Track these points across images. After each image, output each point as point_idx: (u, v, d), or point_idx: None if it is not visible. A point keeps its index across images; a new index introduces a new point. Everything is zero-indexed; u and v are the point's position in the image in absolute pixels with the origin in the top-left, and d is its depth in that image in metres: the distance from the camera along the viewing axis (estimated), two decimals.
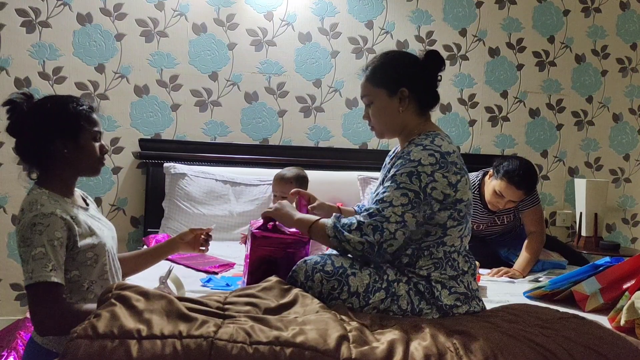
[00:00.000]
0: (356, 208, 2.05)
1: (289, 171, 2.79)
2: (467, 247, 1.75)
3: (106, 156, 1.67)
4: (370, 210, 1.60)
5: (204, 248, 1.94)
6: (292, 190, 2.00)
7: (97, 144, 1.62)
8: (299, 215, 1.76)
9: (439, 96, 1.80)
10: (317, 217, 1.72)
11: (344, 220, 1.63)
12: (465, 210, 1.68)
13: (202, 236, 1.94)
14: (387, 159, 1.92)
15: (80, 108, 1.58)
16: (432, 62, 1.74)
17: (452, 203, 1.64)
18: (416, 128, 1.75)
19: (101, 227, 1.64)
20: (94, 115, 1.62)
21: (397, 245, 1.61)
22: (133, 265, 1.87)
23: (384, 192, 1.62)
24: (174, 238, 1.94)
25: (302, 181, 2.80)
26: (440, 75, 1.77)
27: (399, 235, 1.59)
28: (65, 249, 1.49)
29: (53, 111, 1.57)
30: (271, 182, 2.85)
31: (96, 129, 1.62)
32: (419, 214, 1.61)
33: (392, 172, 1.64)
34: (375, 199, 1.64)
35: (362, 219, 1.60)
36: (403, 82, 1.72)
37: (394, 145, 2.10)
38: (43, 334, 1.50)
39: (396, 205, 1.58)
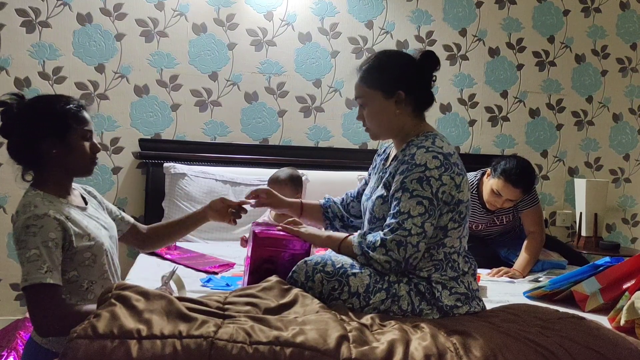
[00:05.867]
0: (322, 201, 2.04)
1: (283, 172, 2.78)
2: (466, 248, 1.75)
3: (106, 156, 1.67)
4: (391, 225, 1.59)
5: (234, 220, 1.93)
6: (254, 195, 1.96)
7: (87, 143, 1.60)
8: (327, 233, 1.79)
9: (433, 96, 1.78)
10: (346, 235, 1.73)
11: (369, 238, 1.63)
12: (465, 211, 1.68)
13: (232, 209, 1.92)
14: (377, 158, 1.91)
15: (68, 107, 1.56)
16: (428, 63, 1.72)
17: (455, 204, 1.64)
18: (412, 129, 1.73)
19: (99, 227, 1.63)
20: (84, 114, 1.59)
21: (420, 256, 1.61)
22: (165, 235, 1.89)
23: (398, 203, 1.60)
24: (203, 207, 1.94)
25: (296, 182, 2.79)
26: (435, 76, 1.76)
27: (421, 247, 1.60)
28: (61, 249, 1.48)
29: (40, 111, 1.56)
30: None
31: (86, 127, 1.59)
32: (435, 221, 1.61)
33: (398, 178, 1.63)
34: (391, 212, 1.62)
35: (384, 235, 1.59)
36: (399, 84, 1.70)
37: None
38: (43, 335, 1.50)
39: (415, 216, 1.58)
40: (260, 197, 1.95)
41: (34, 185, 1.58)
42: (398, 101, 1.70)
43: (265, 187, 1.97)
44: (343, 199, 2.04)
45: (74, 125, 1.56)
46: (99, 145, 1.65)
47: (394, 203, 1.62)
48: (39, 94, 1.69)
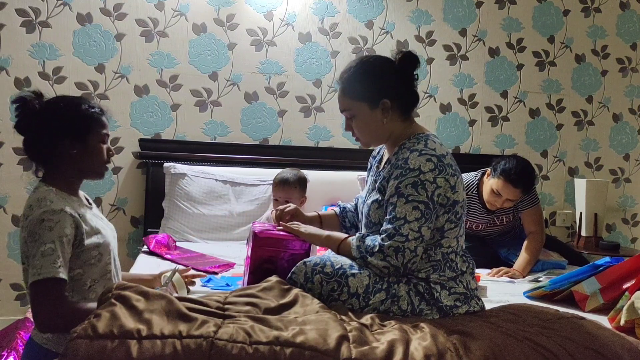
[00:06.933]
0: (337, 209, 2.04)
1: (290, 174, 2.74)
2: (464, 247, 1.74)
3: None
4: (388, 231, 1.59)
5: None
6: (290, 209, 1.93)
7: (104, 146, 1.65)
8: (327, 233, 1.77)
9: (418, 95, 1.77)
10: (346, 235, 1.72)
11: (367, 242, 1.62)
12: (462, 211, 1.68)
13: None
14: (372, 160, 1.90)
15: (92, 110, 1.61)
16: (408, 65, 1.71)
17: (451, 205, 1.63)
18: (403, 132, 1.73)
19: (104, 227, 1.65)
20: (104, 118, 1.65)
21: (419, 259, 1.61)
22: None
23: (394, 209, 1.60)
24: (154, 275, 1.94)
25: (303, 183, 2.78)
26: (417, 74, 1.74)
27: (419, 251, 1.59)
28: (71, 246, 1.49)
29: (65, 111, 1.59)
30: (271, 182, 2.83)
31: (104, 131, 1.64)
32: (431, 224, 1.61)
33: (392, 183, 1.62)
34: (387, 218, 1.62)
35: (382, 241, 1.59)
36: (383, 93, 1.68)
37: None
38: (44, 331, 1.50)
39: (411, 221, 1.57)
40: (285, 218, 1.89)
41: (44, 181, 1.58)
42: (384, 109, 1.69)
43: (292, 205, 1.93)
44: (355, 204, 2.02)
45: (95, 128, 1.61)
46: (112, 150, 1.70)
47: (390, 208, 1.61)
48: (60, 95, 1.72)
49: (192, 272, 2.03)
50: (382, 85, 1.69)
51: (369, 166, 1.92)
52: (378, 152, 1.89)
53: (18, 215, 3.02)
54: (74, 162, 1.59)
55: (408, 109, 1.74)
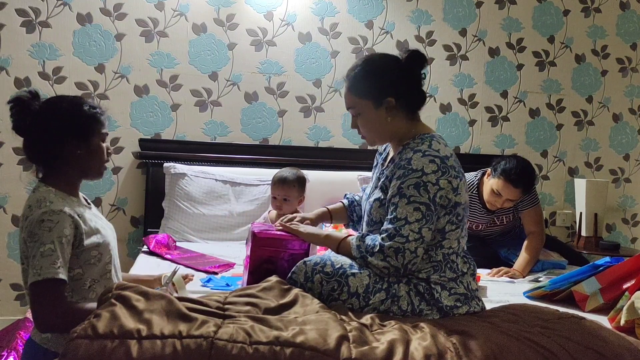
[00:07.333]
0: (345, 202, 2.04)
1: (289, 172, 2.75)
2: (465, 248, 1.74)
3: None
4: (389, 232, 1.59)
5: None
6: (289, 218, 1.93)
7: (104, 145, 1.64)
8: (325, 232, 1.78)
9: (425, 95, 1.76)
10: (345, 235, 1.72)
11: (367, 242, 1.62)
12: (463, 213, 1.67)
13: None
14: (378, 157, 1.90)
15: (94, 110, 1.61)
16: (415, 63, 1.71)
17: (452, 207, 1.63)
18: (408, 132, 1.73)
19: (104, 227, 1.65)
20: (103, 117, 1.64)
21: (419, 260, 1.61)
22: None
23: (395, 209, 1.60)
24: (155, 277, 1.93)
25: (303, 182, 2.79)
26: (425, 73, 1.74)
27: (419, 252, 1.59)
28: (71, 246, 1.49)
29: (68, 111, 1.58)
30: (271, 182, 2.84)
31: (104, 130, 1.64)
32: (432, 226, 1.61)
33: (395, 183, 1.62)
34: (388, 217, 1.62)
35: (382, 241, 1.59)
36: (388, 91, 1.68)
37: None
38: (44, 331, 1.50)
39: (412, 222, 1.57)
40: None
41: (44, 181, 1.58)
42: (389, 108, 1.69)
43: (301, 214, 1.94)
44: (362, 196, 2.01)
45: (97, 127, 1.61)
46: (111, 149, 1.70)
47: (391, 208, 1.61)
48: (58, 95, 1.71)
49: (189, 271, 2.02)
50: (387, 84, 1.69)
51: (375, 163, 1.92)
52: (384, 149, 1.89)
53: (18, 215, 3.02)
54: (78, 163, 1.59)
55: (414, 108, 1.74)
